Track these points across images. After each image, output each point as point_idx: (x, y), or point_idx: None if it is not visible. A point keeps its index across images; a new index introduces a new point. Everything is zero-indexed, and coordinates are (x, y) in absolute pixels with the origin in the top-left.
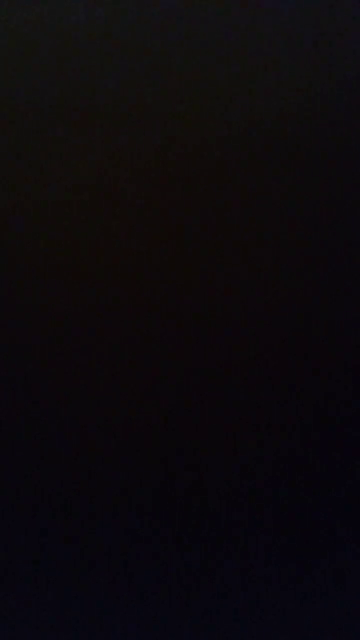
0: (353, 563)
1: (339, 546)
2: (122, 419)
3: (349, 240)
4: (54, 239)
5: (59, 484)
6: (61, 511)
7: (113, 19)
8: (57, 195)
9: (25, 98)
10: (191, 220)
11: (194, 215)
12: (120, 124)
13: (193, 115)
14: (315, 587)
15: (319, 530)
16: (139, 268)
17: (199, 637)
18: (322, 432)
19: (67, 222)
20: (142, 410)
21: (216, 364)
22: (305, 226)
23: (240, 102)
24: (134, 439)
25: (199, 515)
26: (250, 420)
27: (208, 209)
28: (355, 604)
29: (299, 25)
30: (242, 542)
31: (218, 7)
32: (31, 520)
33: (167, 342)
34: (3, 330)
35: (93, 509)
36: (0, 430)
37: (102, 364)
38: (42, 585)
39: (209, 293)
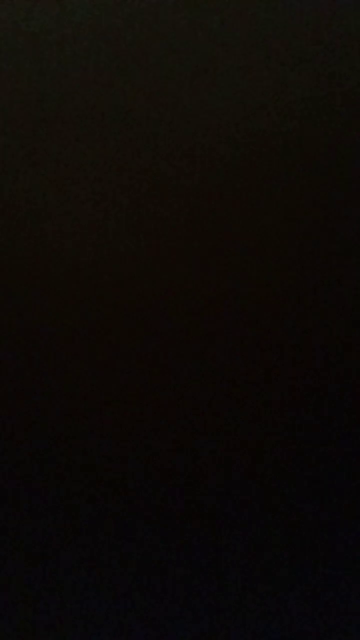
0: (353, 563)
1: (339, 546)
2: (122, 418)
3: (349, 240)
4: (54, 239)
5: (59, 483)
6: (61, 511)
7: (114, 22)
8: (57, 196)
9: (25, 100)
10: (191, 222)
11: (194, 217)
12: (121, 127)
13: (193, 119)
14: (315, 587)
15: (319, 530)
16: (139, 268)
17: (199, 637)
18: (322, 432)
19: (67, 223)
20: (142, 410)
21: (216, 364)
22: (305, 227)
23: (241, 106)
24: (134, 439)
25: (199, 515)
26: (250, 420)
27: (208, 212)
28: (355, 604)
29: (300, 27)
30: (242, 542)
31: (218, 10)
32: (31, 520)
33: (168, 343)
34: (3, 330)
35: (93, 508)
36: (0, 430)
37: (102, 364)
38: (41, 586)
39: (208, 293)
